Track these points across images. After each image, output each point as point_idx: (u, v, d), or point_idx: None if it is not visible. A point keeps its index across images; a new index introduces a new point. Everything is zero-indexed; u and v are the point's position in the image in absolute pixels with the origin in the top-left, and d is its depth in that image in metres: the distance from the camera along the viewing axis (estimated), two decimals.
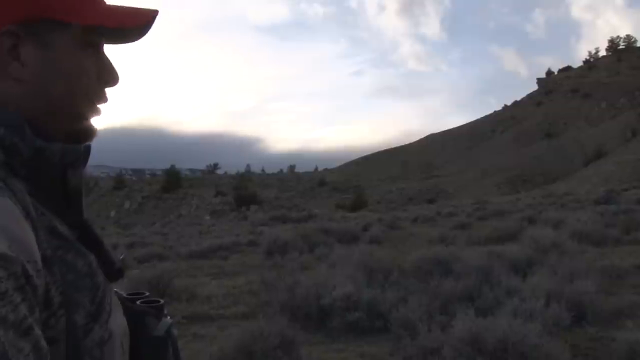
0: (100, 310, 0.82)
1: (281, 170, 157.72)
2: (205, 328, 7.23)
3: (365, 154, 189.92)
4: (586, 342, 5.84)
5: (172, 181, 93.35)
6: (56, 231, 0.81)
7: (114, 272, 0.94)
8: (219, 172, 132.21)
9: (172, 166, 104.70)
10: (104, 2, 0.94)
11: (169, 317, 1.02)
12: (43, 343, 0.67)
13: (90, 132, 0.94)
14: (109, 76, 0.95)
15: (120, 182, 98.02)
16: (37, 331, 0.66)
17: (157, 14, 0.95)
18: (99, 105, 0.95)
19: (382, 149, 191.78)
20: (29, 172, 0.82)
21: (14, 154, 0.80)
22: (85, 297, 0.80)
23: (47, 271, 0.73)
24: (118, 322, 0.88)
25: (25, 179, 0.81)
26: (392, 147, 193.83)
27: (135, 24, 0.94)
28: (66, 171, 0.86)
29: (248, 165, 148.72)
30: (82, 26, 0.89)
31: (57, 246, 0.78)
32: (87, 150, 0.92)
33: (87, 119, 0.93)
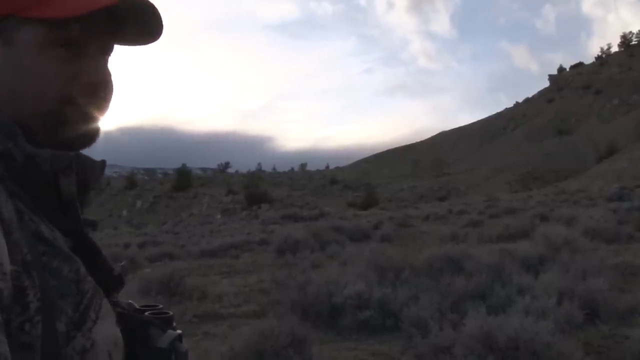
0: (84, 318, 0.79)
1: (292, 169, 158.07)
2: (216, 327, 7.24)
3: (376, 152, 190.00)
4: (599, 340, 5.80)
5: (183, 180, 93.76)
6: (42, 237, 0.79)
7: (113, 280, 0.92)
8: (230, 171, 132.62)
9: (184, 165, 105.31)
10: None
11: (178, 331, 0.98)
12: (3, 348, 0.64)
13: (84, 139, 0.92)
14: (90, 79, 0.90)
15: (132, 181, 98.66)
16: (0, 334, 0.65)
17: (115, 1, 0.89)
18: (89, 111, 0.90)
19: (393, 147, 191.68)
20: (21, 178, 0.81)
21: (8, 159, 0.79)
22: (69, 304, 0.78)
23: (26, 276, 0.71)
24: (106, 331, 0.84)
25: (18, 184, 0.80)
26: (403, 145, 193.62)
27: (96, 7, 0.85)
28: (58, 178, 0.84)
29: (259, 164, 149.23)
30: (46, 22, 0.85)
31: (41, 252, 0.77)
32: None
33: (74, 124, 0.89)
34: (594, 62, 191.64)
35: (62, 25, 0.86)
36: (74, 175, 0.86)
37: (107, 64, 0.94)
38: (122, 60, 0.95)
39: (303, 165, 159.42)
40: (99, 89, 0.91)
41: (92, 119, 0.91)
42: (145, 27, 0.94)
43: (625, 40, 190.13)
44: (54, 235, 0.82)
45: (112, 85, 0.94)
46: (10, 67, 0.85)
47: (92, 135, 0.92)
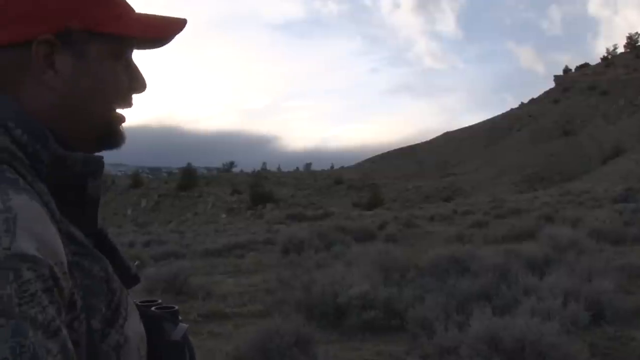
0: (116, 315, 0.83)
1: (297, 169, 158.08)
2: (221, 326, 7.25)
3: (381, 152, 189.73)
4: (605, 342, 5.78)
5: (188, 179, 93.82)
6: (73, 237, 0.81)
7: (130, 278, 0.95)
8: (235, 170, 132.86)
9: (189, 164, 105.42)
10: (134, 11, 0.95)
11: (184, 323, 1.03)
12: (70, 344, 0.67)
13: (120, 138, 0.96)
14: (138, 83, 0.97)
15: (137, 180, 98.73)
16: (65, 333, 0.67)
17: (186, 23, 0.97)
18: (124, 111, 0.96)
19: (398, 147, 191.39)
20: (49, 180, 0.82)
21: (36, 160, 0.81)
22: (102, 302, 0.81)
23: (70, 275, 0.73)
24: (134, 327, 0.88)
25: (47, 185, 0.82)
26: (409, 145, 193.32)
27: (169, 34, 0.96)
28: (86, 180, 0.86)
29: (264, 164, 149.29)
30: (115, 37, 0.91)
31: (74, 252, 0.79)
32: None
33: (116, 125, 0.95)
34: (599, 63, 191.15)
35: (129, 41, 0.93)
36: (100, 178, 0.89)
37: None
38: (139, 66, 1.00)
39: (308, 165, 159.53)
40: (143, 90, 0.99)
41: (125, 118, 0.97)
42: (166, 42, 1.00)
43: (631, 41, 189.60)
44: (81, 236, 0.84)
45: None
46: (80, 80, 0.88)
47: (125, 137, 0.98)
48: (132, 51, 0.96)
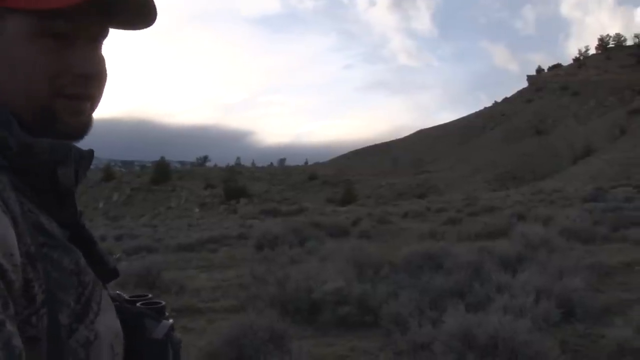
0: (86, 310, 0.79)
1: (271, 164, 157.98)
2: (194, 321, 7.21)
3: (355, 149, 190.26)
4: (575, 339, 5.85)
5: (161, 173, 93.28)
6: (42, 228, 0.78)
7: (108, 272, 0.92)
8: (209, 164, 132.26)
9: (162, 158, 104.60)
10: None
11: (170, 320, 0.99)
12: (16, 341, 0.63)
13: (76, 131, 0.89)
14: (81, 69, 0.86)
15: (109, 173, 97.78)
16: (10, 328, 0.63)
17: None
18: (81, 103, 0.88)
19: (373, 144, 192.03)
20: (18, 168, 0.79)
21: (4, 148, 0.78)
22: (71, 296, 0.77)
23: (30, 268, 0.70)
24: (108, 322, 0.84)
25: (15, 175, 0.78)
26: (383, 141, 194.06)
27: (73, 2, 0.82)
28: (56, 169, 0.82)
29: (238, 158, 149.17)
30: (34, 13, 0.82)
31: (42, 243, 0.75)
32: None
33: (66, 116, 0.87)
34: (572, 64, 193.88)
35: (50, 16, 0.83)
36: (72, 166, 0.84)
37: (100, 50, 0.91)
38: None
39: (282, 160, 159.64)
40: (91, 80, 0.89)
41: (84, 110, 0.89)
42: (138, 13, 0.91)
43: (602, 42, 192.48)
44: (52, 227, 0.81)
45: (105, 75, 0.92)
46: (2, 60, 0.83)
47: (84, 128, 0.91)
48: (78, 30, 0.86)
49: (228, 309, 7.78)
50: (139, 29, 0.94)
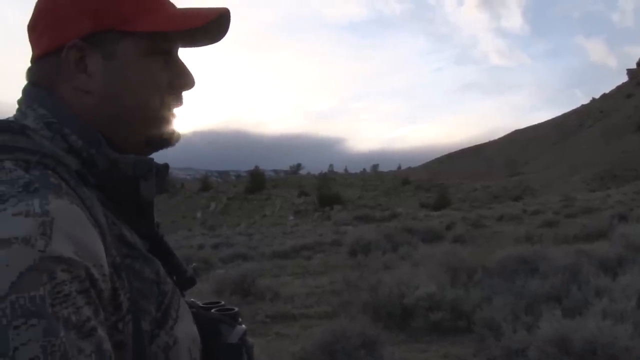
0: (166, 317, 0.84)
1: (364, 170, 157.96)
2: (288, 327, 7.33)
3: (448, 152, 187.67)
4: None
5: (256, 182, 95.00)
6: (125, 240, 0.84)
7: (185, 281, 0.98)
8: (302, 172, 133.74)
9: (256, 167, 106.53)
10: (171, 8, 0.95)
11: (243, 325, 1.03)
12: (107, 345, 0.69)
13: (169, 138, 0.97)
14: (182, 80, 0.96)
15: (206, 183, 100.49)
16: (101, 333, 0.68)
17: (226, 12, 0.95)
18: (174, 110, 0.97)
19: (466, 147, 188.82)
20: (103, 183, 0.85)
21: (91, 165, 0.84)
22: (152, 304, 0.83)
23: (116, 277, 0.76)
24: (186, 329, 0.89)
25: (99, 190, 0.85)
26: (476, 144, 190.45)
27: (200, 24, 0.92)
28: (139, 183, 0.88)
29: (331, 165, 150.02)
30: (146, 34, 0.90)
31: (125, 254, 0.81)
32: (165, 166, 0.96)
33: (163, 124, 0.95)
34: None
35: (161, 36, 0.92)
36: (153, 179, 0.91)
37: None
38: (194, 65, 1.00)
39: (375, 166, 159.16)
40: (189, 88, 0.98)
41: (174, 116, 0.97)
42: (214, 34, 0.98)
43: None
44: (134, 238, 0.87)
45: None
46: (114, 81, 0.90)
47: (177, 135, 0.98)
48: (174, 47, 0.96)
49: (321, 315, 7.86)
50: (205, 45, 1.01)
